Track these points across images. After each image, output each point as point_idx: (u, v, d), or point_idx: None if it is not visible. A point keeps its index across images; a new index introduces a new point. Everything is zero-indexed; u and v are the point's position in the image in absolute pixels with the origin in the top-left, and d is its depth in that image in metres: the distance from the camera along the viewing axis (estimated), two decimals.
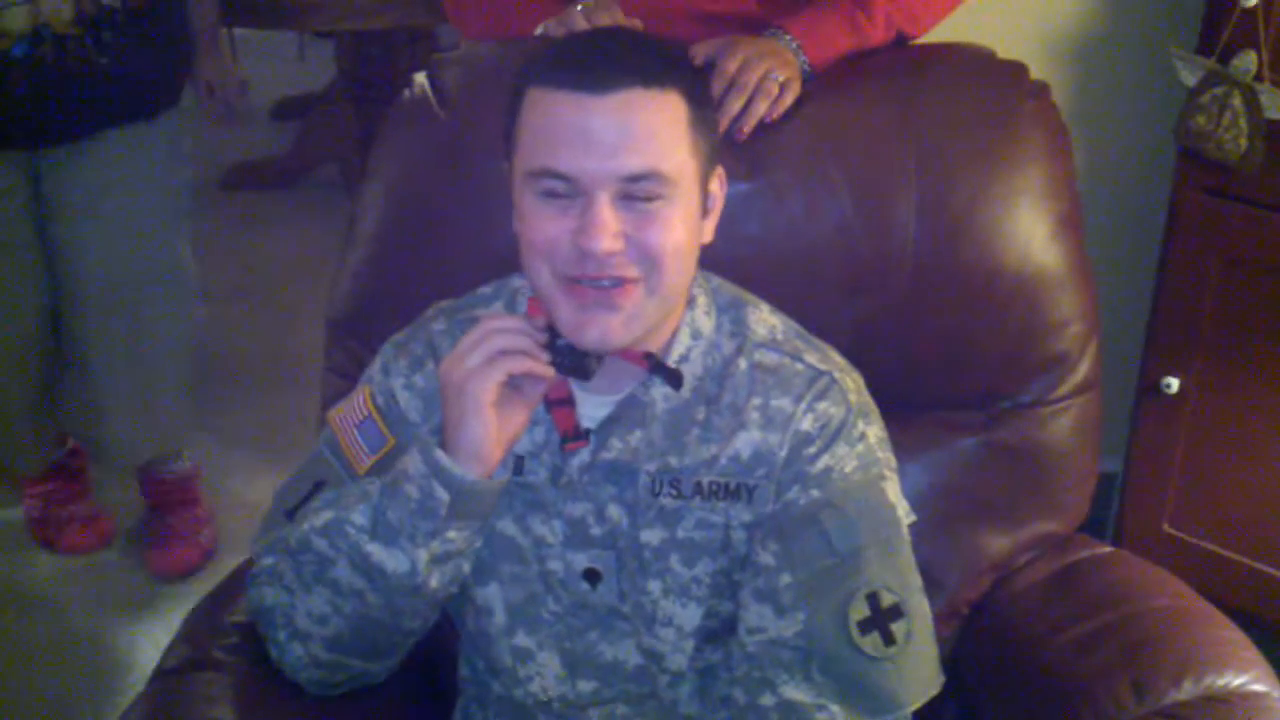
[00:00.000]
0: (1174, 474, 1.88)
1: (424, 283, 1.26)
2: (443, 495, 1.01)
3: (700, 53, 1.26)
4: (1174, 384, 1.81)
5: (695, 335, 1.10)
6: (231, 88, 2.21)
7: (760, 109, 1.25)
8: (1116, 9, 1.98)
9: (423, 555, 1.02)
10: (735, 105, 1.24)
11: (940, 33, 1.43)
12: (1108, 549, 1.36)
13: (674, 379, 1.07)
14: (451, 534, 1.03)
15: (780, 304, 1.18)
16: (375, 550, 1.03)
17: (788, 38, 1.31)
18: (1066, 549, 1.34)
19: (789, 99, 1.27)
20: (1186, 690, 1.11)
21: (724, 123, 1.22)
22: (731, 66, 1.24)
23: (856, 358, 1.17)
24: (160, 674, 1.16)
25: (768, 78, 1.25)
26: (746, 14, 1.37)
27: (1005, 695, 1.24)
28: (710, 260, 1.10)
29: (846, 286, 1.29)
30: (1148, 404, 1.87)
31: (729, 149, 1.08)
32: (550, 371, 1.02)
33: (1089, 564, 1.32)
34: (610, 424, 1.08)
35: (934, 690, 1.06)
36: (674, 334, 1.09)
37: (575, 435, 1.06)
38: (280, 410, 2.80)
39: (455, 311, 1.17)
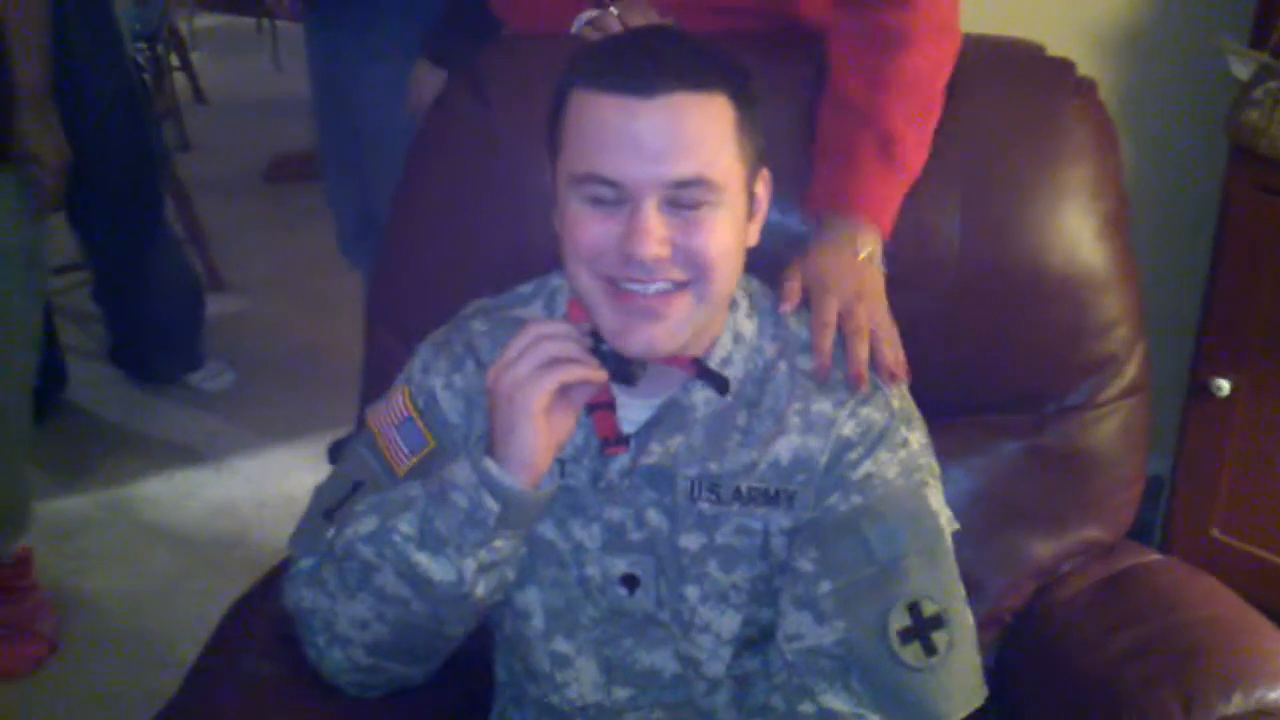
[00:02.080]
0: (1223, 478, 1.85)
1: (463, 278, 1.26)
2: (492, 505, 1.00)
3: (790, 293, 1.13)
4: (1224, 386, 1.78)
5: (737, 339, 1.09)
6: (59, 168, 1.96)
7: (889, 357, 1.11)
8: (1166, 2, 1.95)
9: (470, 564, 1.01)
10: (864, 352, 1.10)
11: (988, 27, 1.40)
12: (1155, 556, 1.33)
13: (721, 385, 1.05)
14: (499, 543, 1.02)
15: None
16: (422, 559, 1.02)
17: (858, 226, 1.17)
18: (1112, 556, 1.32)
19: (893, 331, 1.15)
20: (1236, 704, 1.09)
21: (864, 372, 1.09)
22: (830, 316, 1.11)
23: None
24: (197, 671, 1.17)
25: (870, 321, 1.12)
26: (766, 7, 1.35)
27: (1048, 706, 1.22)
28: (753, 259, 1.09)
29: (891, 283, 1.27)
30: (1197, 406, 1.84)
31: (772, 146, 1.07)
32: (603, 375, 1.01)
33: (1135, 572, 1.29)
34: (651, 428, 1.07)
35: (977, 702, 1.05)
36: (715, 339, 1.07)
37: (616, 440, 1.05)
38: (317, 404, 2.83)
39: (495, 310, 1.16)
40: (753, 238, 1.06)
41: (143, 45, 4.09)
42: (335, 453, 2.57)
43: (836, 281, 1.13)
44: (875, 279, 1.17)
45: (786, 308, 1.12)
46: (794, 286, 1.13)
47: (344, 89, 2.11)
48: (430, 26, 1.81)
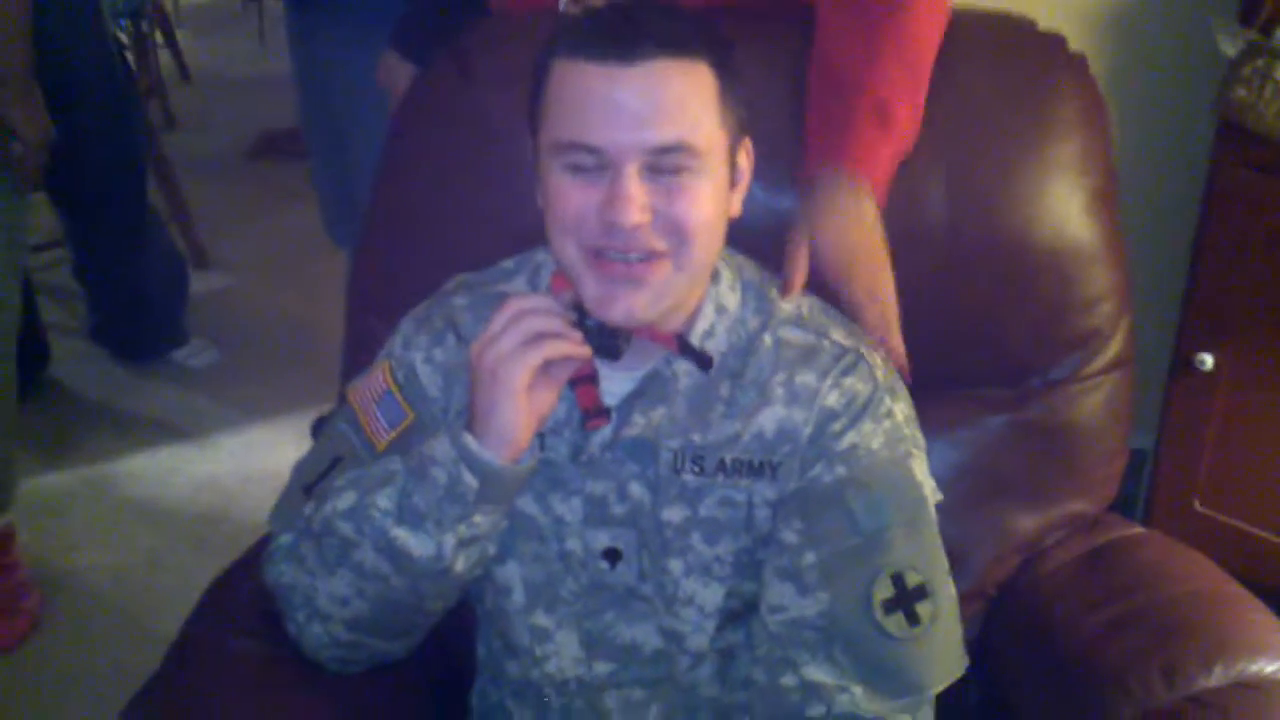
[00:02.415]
0: (1206, 452, 1.86)
1: (446, 257, 1.25)
2: (471, 481, 0.99)
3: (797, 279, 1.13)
4: (1208, 361, 1.79)
5: (720, 310, 1.08)
6: (41, 146, 1.96)
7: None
8: None
9: (449, 539, 1.01)
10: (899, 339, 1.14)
11: (982, 3, 1.40)
12: (1138, 530, 1.34)
13: (704, 362, 1.05)
14: (478, 518, 1.01)
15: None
16: (401, 534, 1.01)
17: (859, 189, 1.15)
18: (1096, 529, 1.32)
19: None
20: (1218, 676, 1.09)
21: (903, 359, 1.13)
22: (877, 289, 1.14)
23: None
24: (178, 645, 1.16)
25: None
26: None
27: (1032, 678, 1.23)
28: (739, 233, 1.08)
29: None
30: (1181, 381, 1.84)
31: (759, 120, 1.06)
32: (587, 351, 1.00)
33: (1119, 545, 1.30)
34: (633, 400, 1.07)
35: (958, 673, 1.05)
36: (698, 309, 1.07)
37: (597, 413, 1.05)
38: (301, 381, 2.82)
39: (477, 285, 1.15)
40: (735, 208, 1.06)
41: (127, 22, 4.06)
42: (319, 429, 2.56)
43: (851, 254, 1.13)
44: (884, 248, 1.16)
45: (790, 295, 1.11)
46: (799, 270, 1.12)
47: (322, 70, 2.08)
48: (399, 15, 1.78)
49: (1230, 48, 1.67)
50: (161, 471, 2.59)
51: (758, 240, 1.15)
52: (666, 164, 0.96)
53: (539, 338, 0.98)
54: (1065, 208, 1.28)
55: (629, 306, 0.99)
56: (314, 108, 2.20)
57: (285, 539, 1.11)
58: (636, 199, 0.95)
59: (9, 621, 2.14)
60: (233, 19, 5.40)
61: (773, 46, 1.28)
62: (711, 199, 0.99)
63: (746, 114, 1.04)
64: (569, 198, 0.98)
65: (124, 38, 3.92)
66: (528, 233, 1.12)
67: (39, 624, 2.16)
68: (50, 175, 2.06)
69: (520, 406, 0.98)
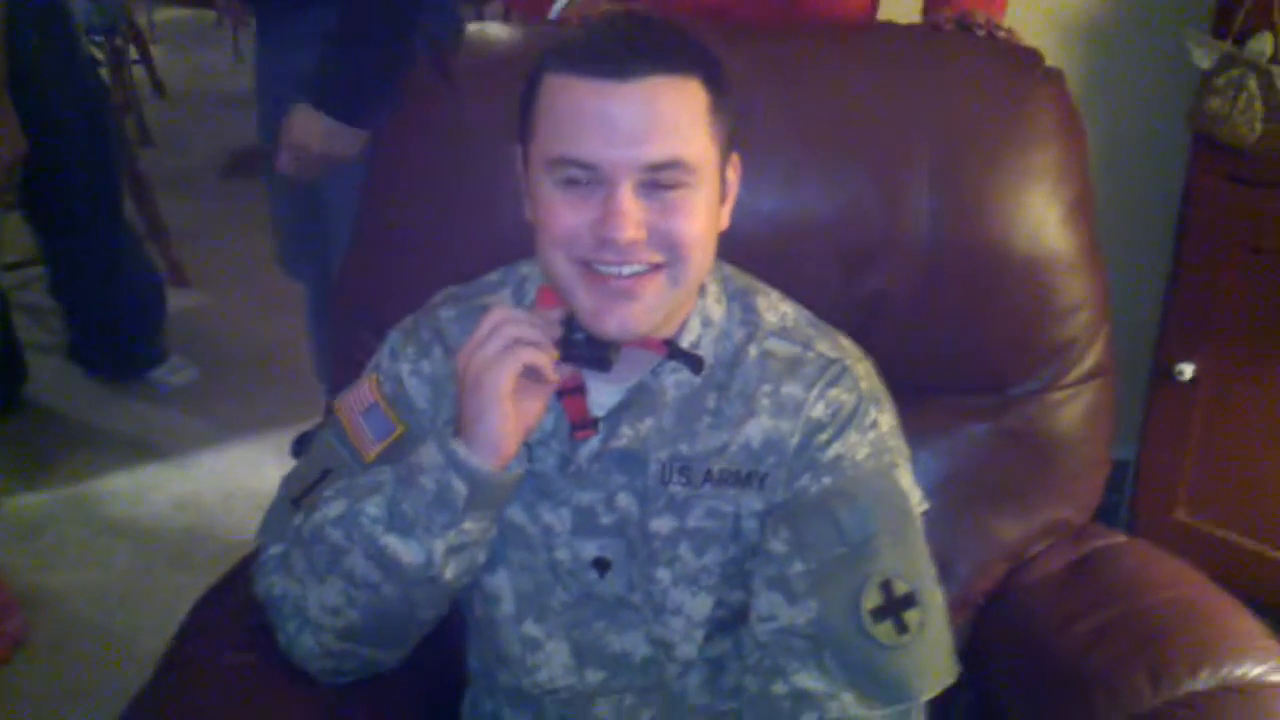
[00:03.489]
0: (1188, 461, 1.87)
1: (433, 269, 1.25)
2: (460, 487, 0.99)
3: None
4: (1188, 370, 1.80)
5: (705, 323, 1.09)
6: (14, 162, 1.93)
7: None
8: None
9: (439, 546, 1.01)
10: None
11: None
12: (1122, 538, 1.35)
13: (694, 364, 1.05)
14: (468, 525, 1.01)
15: (792, 280, 1.17)
16: (391, 541, 1.01)
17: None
18: (1081, 538, 1.33)
19: None
20: (1204, 680, 1.10)
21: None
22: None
23: (867, 338, 1.16)
24: (167, 661, 1.15)
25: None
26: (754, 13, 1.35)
27: (1020, 685, 1.23)
28: (723, 237, 1.09)
29: (859, 263, 1.29)
30: (1161, 390, 1.86)
31: (744, 128, 1.07)
32: (554, 376, 1.00)
33: (1104, 553, 1.30)
34: (621, 411, 1.07)
35: (948, 680, 1.05)
36: (684, 322, 1.07)
37: (585, 424, 1.05)
38: (280, 399, 2.82)
39: (463, 299, 1.15)
40: (724, 221, 1.06)
41: (101, 38, 4.05)
42: (300, 447, 2.55)
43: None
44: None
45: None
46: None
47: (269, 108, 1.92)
48: (319, 73, 1.64)
49: (1204, 60, 1.69)
50: (141, 489, 2.58)
51: (746, 247, 1.15)
52: (662, 180, 0.97)
53: (519, 343, 0.98)
54: (1043, 217, 1.29)
55: (623, 319, 0.99)
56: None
57: (276, 549, 1.11)
58: (631, 215, 0.96)
59: None
60: (208, 35, 5.39)
61: (757, 55, 1.29)
62: (704, 213, 1.00)
63: (735, 128, 1.04)
64: (562, 213, 0.98)
65: (99, 53, 3.90)
66: (514, 243, 1.12)
67: (21, 645, 2.13)
68: (24, 192, 2.03)
69: (506, 412, 0.98)
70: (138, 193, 3.29)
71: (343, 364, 1.35)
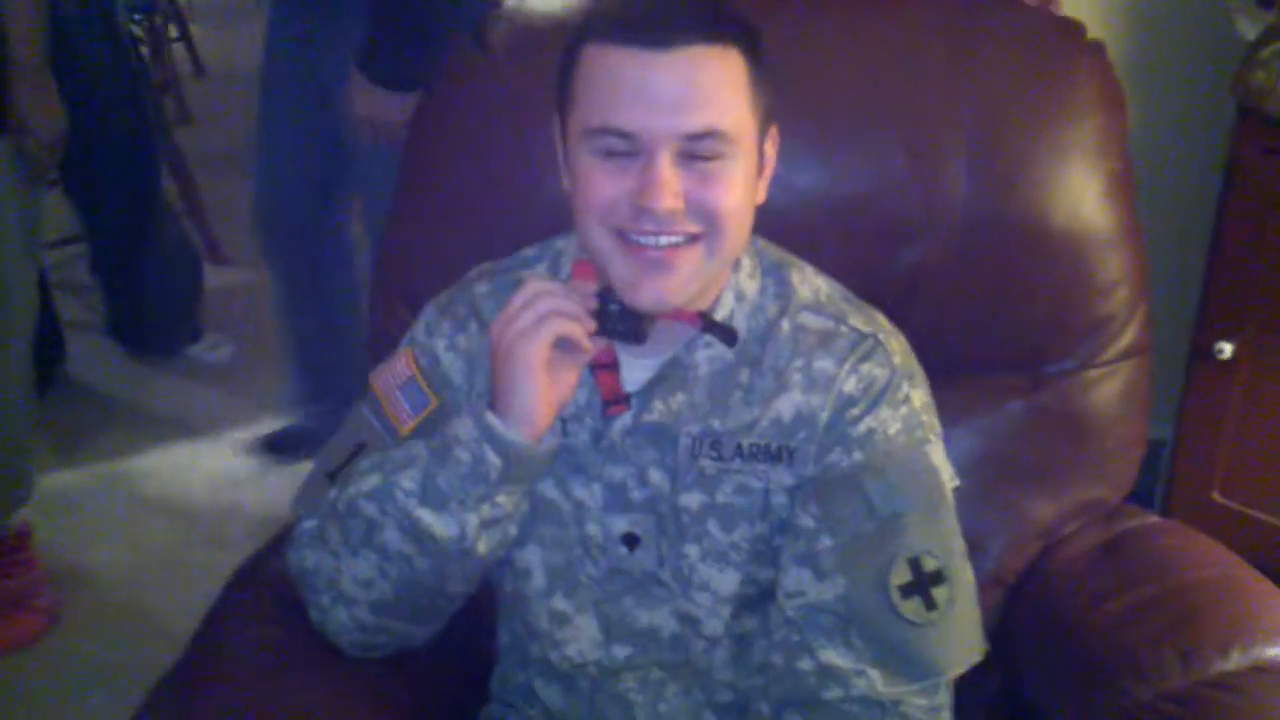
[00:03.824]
0: (1225, 441, 1.85)
1: (469, 244, 1.25)
2: (495, 460, 1.00)
3: None
4: (1227, 349, 1.77)
5: (739, 297, 1.08)
6: (54, 139, 1.94)
7: None
8: None
9: (472, 520, 1.01)
10: None
11: None
12: (1156, 518, 1.33)
13: (729, 336, 1.05)
14: (501, 498, 1.02)
15: (828, 253, 1.16)
16: (424, 515, 1.02)
17: None
18: (1114, 518, 1.32)
19: None
20: (1235, 660, 1.09)
21: None
22: None
23: (903, 313, 1.15)
24: (199, 637, 1.17)
25: None
26: None
27: (1050, 664, 1.22)
28: (757, 211, 1.08)
29: (895, 237, 1.27)
30: (1200, 369, 1.83)
31: (780, 100, 1.06)
32: (589, 346, 1.00)
33: (1137, 533, 1.29)
34: (653, 386, 1.07)
35: (976, 658, 1.05)
36: (718, 296, 1.07)
37: (618, 399, 1.05)
38: None
39: (499, 273, 1.16)
40: (761, 195, 1.06)
41: (141, 17, 4.08)
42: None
43: None
44: None
45: None
46: None
47: (324, 83, 1.93)
48: (361, 44, 1.66)
49: (1249, 30, 1.66)
50: (177, 467, 2.60)
51: (781, 220, 1.15)
52: (700, 150, 0.96)
53: (553, 315, 0.98)
54: (1082, 191, 1.28)
55: (658, 290, 0.99)
56: (291, 122, 2.12)
57: (310, 523, 1.12)
58: (670, 185, 0.95)
59: (26, 618, 2.15)
60: (247, 13, 5.40)
61: (793, 24, 1.28)
62: (742, 185, 1.00)
63: (774, 100, 1.04)
64: (600, 182, 0.98)
65: (138, 32, 3.93)
66: (554, 217, 1.12)
67: (56, 621, 2.16)
68: (64, 169, 2.05)
69: (540, 384, 0.98)
70: (175, 170, 3.31)
71: (380, 340, 1.36)
